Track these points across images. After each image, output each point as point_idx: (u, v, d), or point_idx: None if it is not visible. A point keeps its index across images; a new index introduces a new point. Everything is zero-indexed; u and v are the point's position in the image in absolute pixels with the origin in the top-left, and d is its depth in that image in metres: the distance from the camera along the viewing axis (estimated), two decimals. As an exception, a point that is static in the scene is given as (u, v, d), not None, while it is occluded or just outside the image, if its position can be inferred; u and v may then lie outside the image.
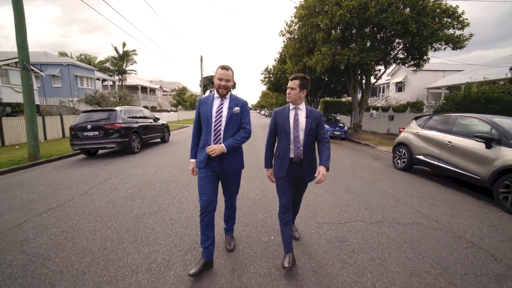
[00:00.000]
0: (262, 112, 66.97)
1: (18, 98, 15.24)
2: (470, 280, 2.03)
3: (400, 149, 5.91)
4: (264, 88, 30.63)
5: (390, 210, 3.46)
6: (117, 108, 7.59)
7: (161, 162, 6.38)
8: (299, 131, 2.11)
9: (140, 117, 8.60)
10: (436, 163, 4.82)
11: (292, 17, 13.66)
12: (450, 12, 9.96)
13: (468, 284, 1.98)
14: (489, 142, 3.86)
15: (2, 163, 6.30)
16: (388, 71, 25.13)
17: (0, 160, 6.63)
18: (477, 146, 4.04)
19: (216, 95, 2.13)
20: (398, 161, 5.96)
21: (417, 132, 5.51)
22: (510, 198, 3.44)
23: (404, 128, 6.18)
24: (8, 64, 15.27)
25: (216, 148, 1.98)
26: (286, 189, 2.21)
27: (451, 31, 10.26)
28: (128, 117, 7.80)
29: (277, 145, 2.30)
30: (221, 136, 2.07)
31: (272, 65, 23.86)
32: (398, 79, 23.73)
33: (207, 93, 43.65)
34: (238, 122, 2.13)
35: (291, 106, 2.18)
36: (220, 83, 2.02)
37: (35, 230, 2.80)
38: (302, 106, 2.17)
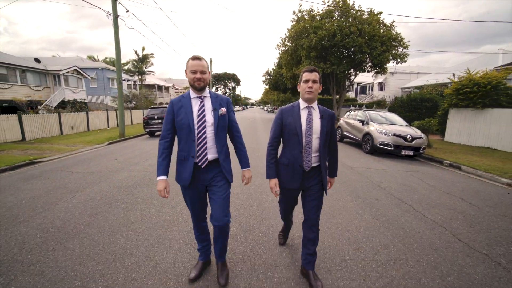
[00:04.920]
0: (265, 108, 70.67)
1: (74, 97, 19.94)
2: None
3: (338, 129, 10.28)
4: (266, 86, 35.08)
5: (312, 151, 7.88)
6: (169, 106, 12.10)
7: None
8: (312, 135, 1.81)
9: (180, 112, 13.10)
10: (348, 134, 9.20)
11: (285, 34, 17.92)
12: (395, 38, 14.16)
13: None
14: (362, 122, 8.22)
15: (108, 138, 10.92)
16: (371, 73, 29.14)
17: (105, 136, 11.30)
18: (359, 124, 8.41)
19: (192, 94, 1.75)
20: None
21: (345, 120, 9.86)
22: (365, 146, 7.79)
23: (341, 117, 10.54)
24: (68, 71, 19.89)
25: (250, 176, 1.93)
26: (292, 203, 2.11)
27: (400, 50, 14.46)
28: (175, 111, 12.29)
29: (283, 151, 1.96)
30: (207, 146, 1.74)
31: (272, 69, 28.20)
32: (380, 80, 27.76)
33: (212, 90, 47.92)
34: (226, 125, 1.83)
35: (302, 105, 1.84)
36: (195, 77, 1.67)
37: (168, 153, 7.33)
38: (315, 105, 1.85)
